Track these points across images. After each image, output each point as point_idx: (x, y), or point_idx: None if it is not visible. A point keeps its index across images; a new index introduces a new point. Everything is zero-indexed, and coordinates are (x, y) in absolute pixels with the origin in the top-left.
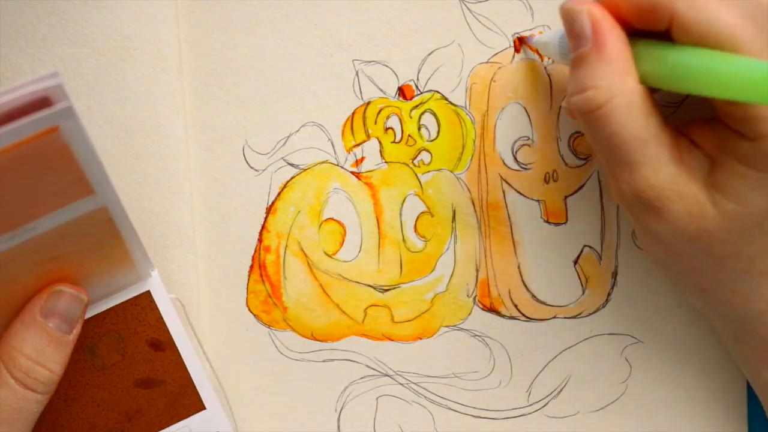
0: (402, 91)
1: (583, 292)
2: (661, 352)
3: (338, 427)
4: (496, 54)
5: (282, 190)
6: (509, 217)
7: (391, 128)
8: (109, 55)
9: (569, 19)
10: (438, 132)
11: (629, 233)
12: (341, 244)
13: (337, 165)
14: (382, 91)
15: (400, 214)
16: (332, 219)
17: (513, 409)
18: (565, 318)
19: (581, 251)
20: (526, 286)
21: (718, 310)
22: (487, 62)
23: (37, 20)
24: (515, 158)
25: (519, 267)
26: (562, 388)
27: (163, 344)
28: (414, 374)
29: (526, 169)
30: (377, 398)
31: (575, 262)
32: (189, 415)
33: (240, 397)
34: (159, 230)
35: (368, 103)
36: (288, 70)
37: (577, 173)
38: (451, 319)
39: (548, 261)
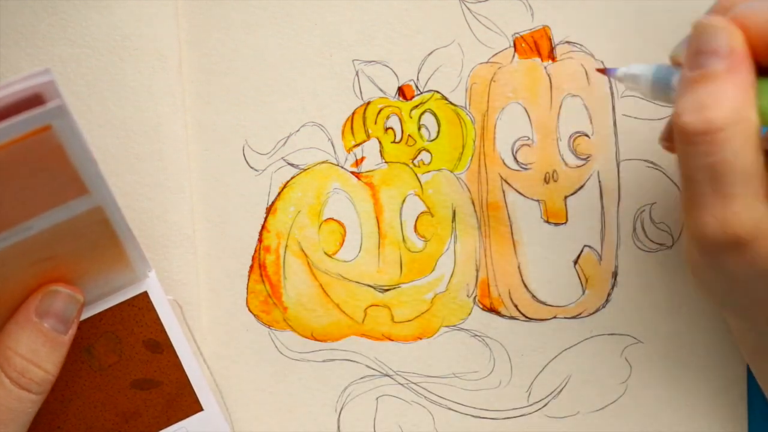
0: (402, 91)
1: (583, 292)
2: (661, 353)
3: (338, 427)
4: (496, 54)
5: (282, 190)
6: (509, 217)
7: (391, 128)
8: (109, 55)
9: (705, 33)
10: (438, 132)
11: (629, 233)
12: (341, 244)
13: (337, 165)
14: (382, 91)
15: (400, 214)
16: (332, 219)
17: (513, 409)
18: (565, 318)
19: (581, 251)
20: (526, 286)
21: None
22: (487, 62)
23: (37, 20)
24: (515, 158)
25: (519, 267)
26: (562, 388)
27: (160, 345)
28: (414, 374)
29: (526, 169)
30: (377, 398)
31: (575, 262)
32: (186, 417)
33: (240, 397)
34: (159, 230)
35: (368, 103)
36: (288, 70)
37: (577, 173)
38: (451, 319)
39: (548, 261)
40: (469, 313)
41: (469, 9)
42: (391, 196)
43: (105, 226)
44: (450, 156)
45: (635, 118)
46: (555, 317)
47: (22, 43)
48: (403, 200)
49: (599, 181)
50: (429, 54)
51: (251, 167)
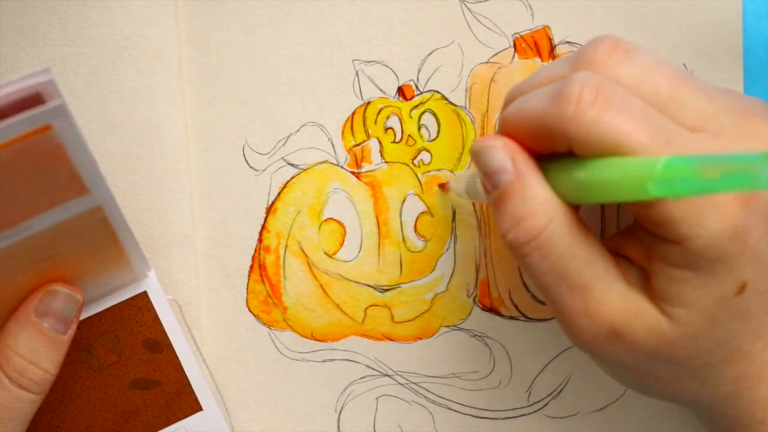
0: (402, 91)
1: None
2: None
3: (338, 427)
4: (496, 54)
5: (282, 190)
6: None
7: (391, 128)
8: (109, 55)
9: (484, 156)
10: (438, 132)
11: None
12: (341, 244)
13: (337, 165)
14: (382, 91)
15: (400, 214)
16: (332, 219)
17: (513, 409)
18: None
19: None
20: (526, 287)
21: (687, 401)
22: (487, 62)
23: (37, 20)
24: None
25: (519, 267)
26: (562, 389)
27: (159, 345)
28: (414, 374)
29: None
30: (377, 398)
31: None
32: (185, 416)
33: (240, 397)
34: (159, 230)
35: (368, 103)
36: (288, 70)
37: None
38: (451, 319)
39: None
40: (469, 313)
41: (469, 9)
42: (391, 196)
43: (105, 226)
44: (450, 156)
45: None
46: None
47: (22, 43)
48: (403, 200)
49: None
50: (429, 54)
51: (251, 167)
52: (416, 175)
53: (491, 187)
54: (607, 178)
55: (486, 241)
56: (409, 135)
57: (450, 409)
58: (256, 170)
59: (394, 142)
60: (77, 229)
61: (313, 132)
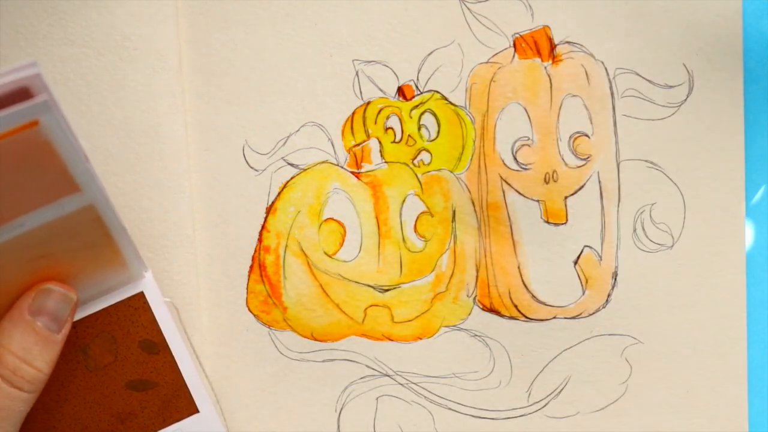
0: (402, 91)
1: (583, 293)
2: (661, 353)
3: (338, 427)
4: (496, 54)
5: (282, 190)
6: (509, 217)
7: (391, 128)
8: (109, 55)
9: None
10: (438, 132)
11: (630, 234)
12: (341, 244)
13: (337, 165)
14: (382, 91)
15: (400, 214)
16: (332, 219)
17: (513, 409)
18: (565, 318)
19: (581, 251)
20: (526, 287)
21: None
22: (487, 62)
23: (37, 20)
24: (515, 158)
25: (519, 267)
26: (562, 389)
27: (156, 346)
28: (414, 374)
29: (526, 169)
30: (377, 398)
31: (575, 262)
32: (182, 418)
33: (240, 397)
34: (159, 230)
35: (368, 103)
36: (288, 70)
37: (577, 173)
38: (451, 319)
39: (548, 261)
40: (469, 313)
41: (469, 9)
42: (391, 196)
43: (98, 225)
44: (450, 156)
45: (635, 118)
46: (555, 317)
47: (22, 43)
48: (403, 200)
49: (599, 182)
50: (429, 54)
51: (251, 167)
52: (416, 175)
53: None
54: None
55: (486, 242)
56: (409, 135)
57: (450, 409)
58: (256, 170)
59: (394, 142)
60: (70, 227)
61: (313, 132)
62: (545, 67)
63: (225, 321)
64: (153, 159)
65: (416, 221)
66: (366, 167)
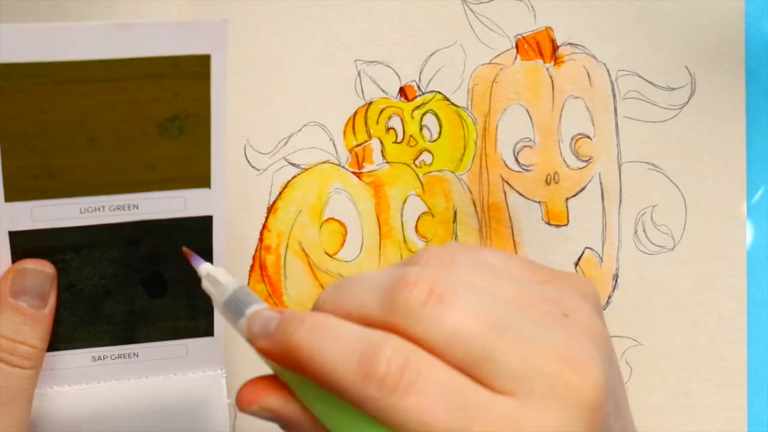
0: (404, 92)
1: None
2: (661, 355)
3: None
4: (498, 55)
5: (283, 189)
6: (510, 219)
7: (393, 128)
8: None
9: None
10: (439, 133)
11: (631, 236)
12: (342, 245)
13: (339, 165)
14: (383, 91)
15: (401, 215)
16: (333, 219)
17: None
18: None
19: (582, 253)
20: None
21: None
22: (489, 63)
23: (39, 20)
24: (516, 159)
25: None
26: None
27: None
28: None
29: (527, 170)
30: None
31: (576, 263)
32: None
33: None
34: None
35: (370, 103)
36: (290, 70)
37: (579, 175)
38: None
39: (549, 262)
40: None
41: (471, 10)
42: (393, 196)
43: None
44: (451, 157)
45: (637, 120)
46: None
47: None
48: (405, 201)
49: (600, 183)
50: (431, 55)
51: (252, 167)
52: (417, 175)
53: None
54: None
55: (487, 242)
56: (410, 135)
57: None
58: (257, 170)
59: (395, 142)
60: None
61: (314, 132)
62: (547, 69)
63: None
64: None
65: (417, 222)
66: (367, 167)
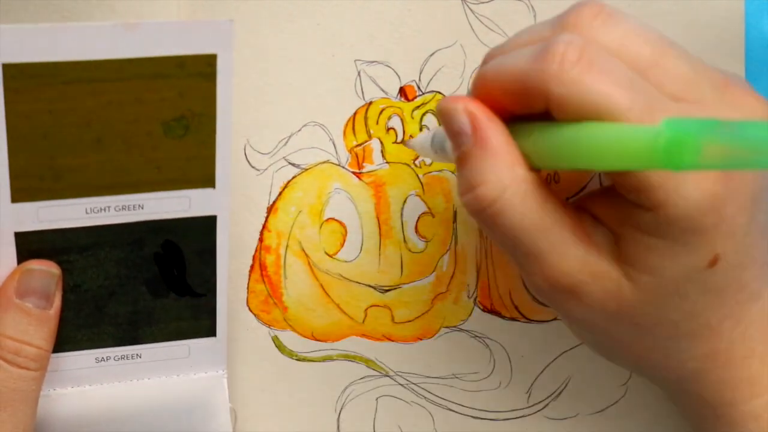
0: (404, 92)
1: None
2: None
3: (338, 427)
4: None
5: (283, 189)
6: None
7: (393, 128)
8: None
9: (447, 118)
10: None
11: None
12: (342, 245)
13: (339, 165)
14: (383, 91)
15: (401, 215)
16: (333, 219)
17: (513, 410)
18: None
19: None
20: (526, 288)
21: (655, 375)
22: None
23: (40, 19)
24: None
25: None
26: (562, 390)
27: None
28: (414, 375)
29: None
30: (377, 398)
31: None
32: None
33: (240, 397)
34: None
35: (370, 104)
36: (290, 70)
37: (579, 175)
38: (452, 319)
39: None
40: (470, 314)
41: (471, 10)
42: (392, 196)
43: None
44: None
45: None
46: (555, 319)
47: None
48: (404, 201)
49: (600, 184)
50: (431, 55)
51: (252, 167)
52: (417, 175)
53: (453, 148)
54: (595, 145)
55: (487, 242)
56: (410, 135)
57: (450, 409)
58: (257, 170)
59: (395, 142)
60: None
61: (314, 132)
62: None
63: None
64: None
65: (417, 222)
66: (367, 167)
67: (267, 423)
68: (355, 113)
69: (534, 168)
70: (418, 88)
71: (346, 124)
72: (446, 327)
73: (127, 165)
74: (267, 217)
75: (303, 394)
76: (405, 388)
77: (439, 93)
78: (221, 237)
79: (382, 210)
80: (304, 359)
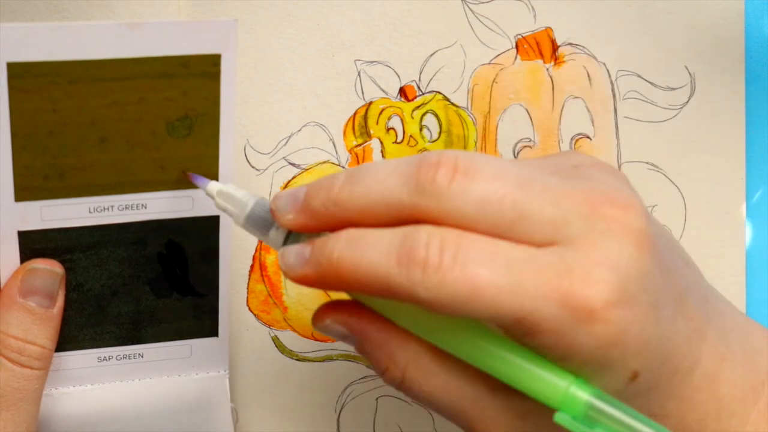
0: (404, 92)
1: None
2: None
3: (338, 427)
4: (498, 55)
5: (283, 189)
6: None
7: (393, 129)
8: None
9: (324, 332)
10: (439, 133)
11: None
12: None
13: (339, 165)
14: (383, 91)
15: None
16: None
17: None
18: None
19: None
20: None
21: None
22: (489, 64)
23: (40, 19)
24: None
25: None
26: None
27: None
28: None
29: None
30: (377, 398)
31: None
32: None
33: (240, 397)
34: None
35: (370, 104)
36: (290, 70)
37: None
38: None
39: None
40: None
41: (471, 10)
42: None
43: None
44: None
45: (637, 120)
46: None
47: None
48: None
49: None
50: (431, 55)
51: (252, 167)
52: None
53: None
54: (486, 358)
55: None
56: (410, 136)
57: None
58: (257, 170)
59: (395, 142)
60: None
61: (314, 132)
62: (547, 69)
63: None
64: None
65: None
66: None
67: (267, 423)
68: (355, 113)
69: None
70: (418, 88)
71: (346, 124)
72: None
73: (131, 164)
74: None
75: (303, 394)
76: None
77: (439, 93)
78: (224, 237)
79: None
80: (304, 359)
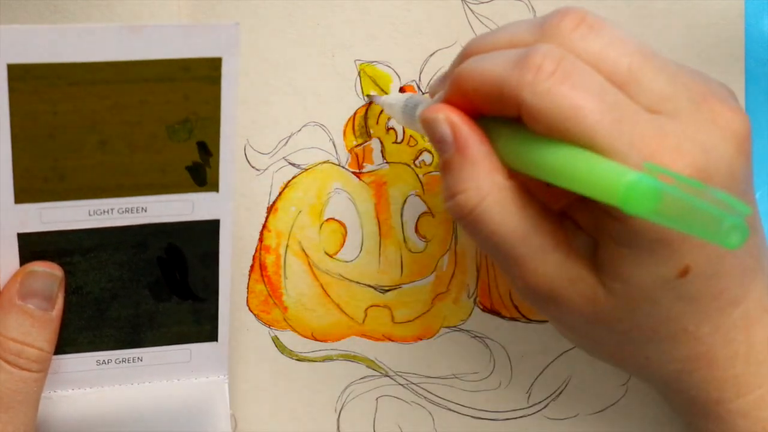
0: (404, 92)
1: None
2: None
3: (338, 427)
4: None
5: (283, 189)
6: None
7: (393, 129)
8: None
9: (429, 126)
10: None
11: None
12: (342, 245)
13: (339, 165)
14: (383, 91)
15: (402, 215)
16: (333, 219)
17: (513, 410)
18: None
19: None
20: None
21: (641, 375)
22: None
23: (40, 19)
24: None
25: None
26: (562, 390)
27: None
28: (414, 375)
29: None
30: (377, 398)
31: None
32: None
33: (240, 397)
34: None
35: (370, 103)
36: (290, 70)
37: None
38: (452, 319)
39: None
40: (470, 314)
41: (471, 10)
42: (393, 196)
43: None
44: None
45: None
46: None
47: None
48: (405, 200)
49: None
50: (431, 55)
51: (252, 167)
52: (417, 175)
53: (438, 155)
54: (563, 168)
55: None
56: (410, 135)
57: (450, 409)
58: (257, 170)
59: (395, 142)
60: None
61: (314, 132)
62: None
63: None
64: None
65: (417, 221)
66: (367, 167)
67: (267, 423)
68: (355, 113)
69: (514, 176)
70: (418, 88)
71: (346, 124)
72: (446, 327)
73: (131, 167)
74: (267, 217)
75: (303, 394)
76: (405, 388)
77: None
78: (224, 241)
79: (382, 210)
80: (304, 359)
